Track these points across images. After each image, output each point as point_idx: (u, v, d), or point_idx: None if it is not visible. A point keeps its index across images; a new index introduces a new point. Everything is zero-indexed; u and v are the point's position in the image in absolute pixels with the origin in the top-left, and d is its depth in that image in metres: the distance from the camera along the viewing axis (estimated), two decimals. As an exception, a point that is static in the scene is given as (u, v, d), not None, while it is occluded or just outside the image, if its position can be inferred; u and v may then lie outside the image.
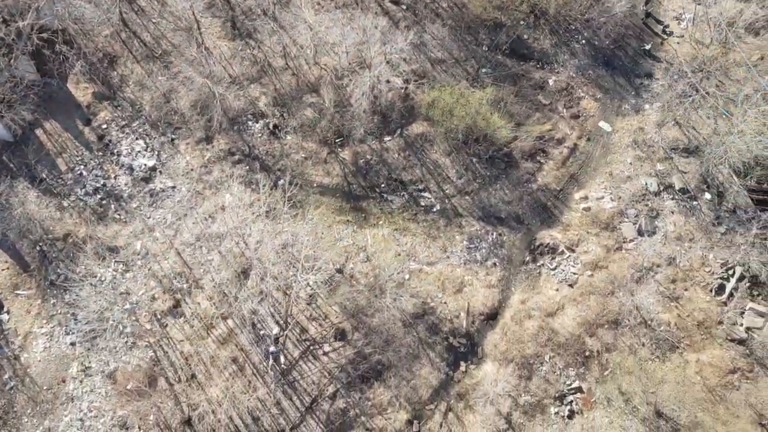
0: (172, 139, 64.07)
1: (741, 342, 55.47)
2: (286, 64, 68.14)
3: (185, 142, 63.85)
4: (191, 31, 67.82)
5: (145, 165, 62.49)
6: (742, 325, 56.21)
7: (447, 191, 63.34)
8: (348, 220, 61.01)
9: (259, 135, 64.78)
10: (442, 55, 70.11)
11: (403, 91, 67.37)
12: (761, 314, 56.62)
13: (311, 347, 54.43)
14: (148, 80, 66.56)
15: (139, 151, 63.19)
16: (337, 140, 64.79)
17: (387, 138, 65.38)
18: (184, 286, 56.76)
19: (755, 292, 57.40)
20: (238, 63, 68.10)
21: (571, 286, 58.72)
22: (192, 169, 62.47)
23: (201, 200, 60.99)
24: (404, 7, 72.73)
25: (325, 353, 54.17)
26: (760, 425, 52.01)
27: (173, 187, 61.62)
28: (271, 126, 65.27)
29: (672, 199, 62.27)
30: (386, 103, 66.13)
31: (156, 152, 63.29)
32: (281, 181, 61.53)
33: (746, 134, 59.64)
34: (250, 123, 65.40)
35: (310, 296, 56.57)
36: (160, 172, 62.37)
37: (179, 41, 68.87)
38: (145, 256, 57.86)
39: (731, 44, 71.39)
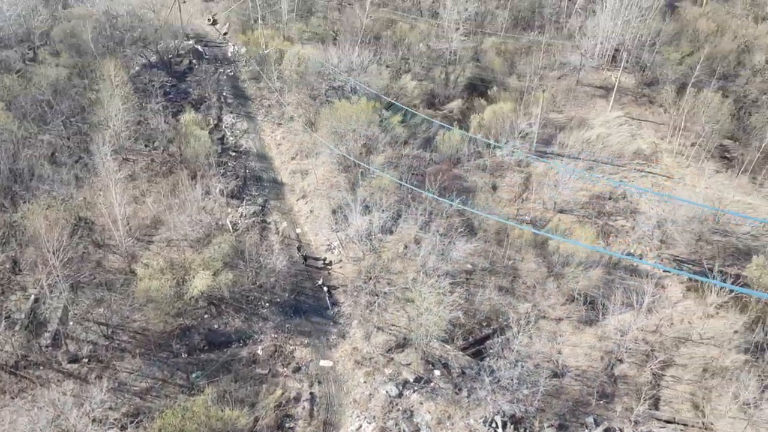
0: None
1: (540, 477, 59.70)
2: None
3: None
4: None
5: None
6: (529, 462, 60.90)
7: None
8: None
9: None
10: (148, 384, 67.27)
11: (123, 439, 62.03)
12: (535, 443, 62.32)
13: None
14: None
15: None
16: None
17: (130, 497, 58.34)
18: None
19: (521, 429, 63.29)
20: None
21: None
22: None
23: None
24: (86, 360, 69.00)
25: None
26: None
27: None
28: None
29: (414, 392, 66.90)
30: (112, 462, 59.83)
31: None
32: None
33: (432, 309, 68.83)
34: None
35: None
36: None
37: None
38: None
39: (377, 248, 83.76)
